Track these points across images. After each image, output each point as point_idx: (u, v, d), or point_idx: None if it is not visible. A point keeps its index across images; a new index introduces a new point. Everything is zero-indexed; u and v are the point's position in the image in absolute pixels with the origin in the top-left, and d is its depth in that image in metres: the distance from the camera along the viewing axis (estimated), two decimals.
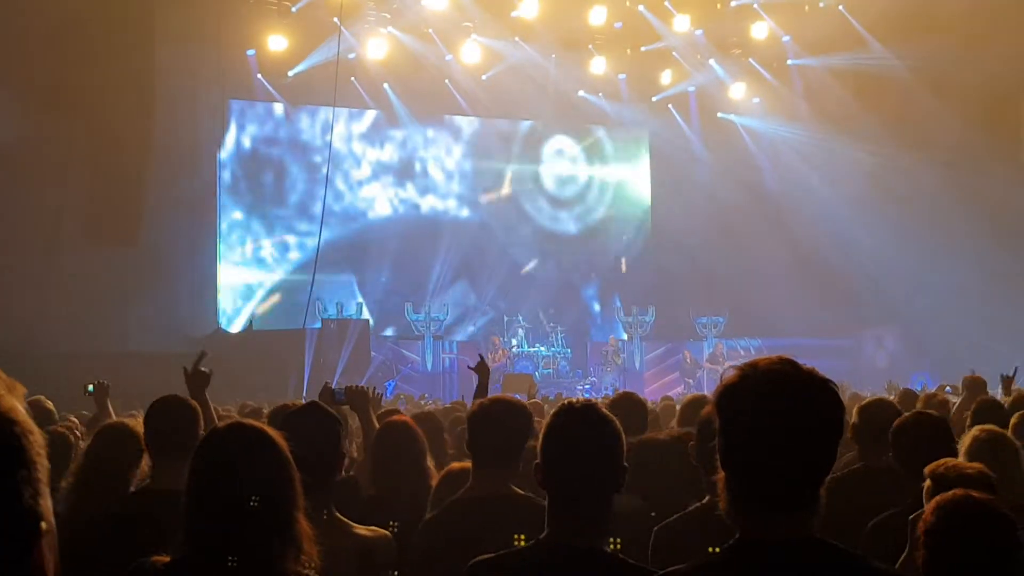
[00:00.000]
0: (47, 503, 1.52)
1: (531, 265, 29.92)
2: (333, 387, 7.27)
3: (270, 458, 3.26)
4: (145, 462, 5.17)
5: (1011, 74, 26.40)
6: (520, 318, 28.70)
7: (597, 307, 32.20)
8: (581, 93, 30.86)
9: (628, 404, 6.82)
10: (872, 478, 5.42)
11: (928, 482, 3.93)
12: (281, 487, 3.23)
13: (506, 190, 31.68)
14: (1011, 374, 10.40)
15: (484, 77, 29.63)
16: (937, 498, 3.27)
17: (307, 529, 3.23)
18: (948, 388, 15.03)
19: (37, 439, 1.51)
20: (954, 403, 9.29)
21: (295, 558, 3.17)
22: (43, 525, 1.48)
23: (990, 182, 26.11)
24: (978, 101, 26.52)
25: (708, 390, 22.22)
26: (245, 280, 28.15)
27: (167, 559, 3.21)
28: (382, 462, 5.69)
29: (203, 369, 6.77)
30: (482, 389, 8.12)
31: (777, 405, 2.55)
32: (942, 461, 3.99)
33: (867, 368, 27.61)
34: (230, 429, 3.38)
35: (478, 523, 4.16)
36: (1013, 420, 6.43)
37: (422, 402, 19.67)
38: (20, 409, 1.50)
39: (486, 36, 28.46)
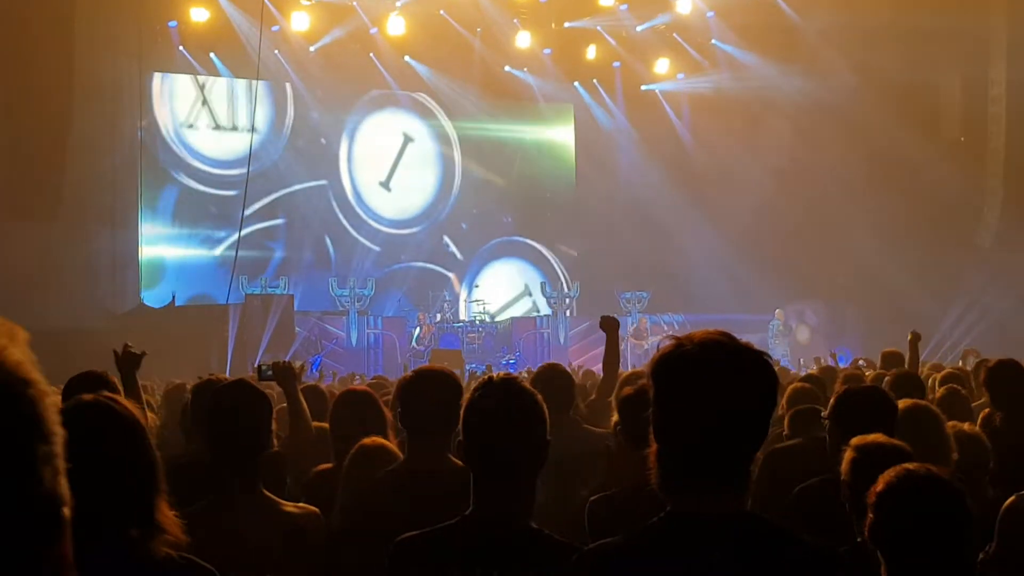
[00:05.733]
0: (65, 483, 1.24)
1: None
2: (258, 364, 7.20)
3: (123, 441, 2.97)
4: None
5: (929, 55, 26.80)
6: (445, 293, 28.67)
7: (522, 283, 32.27)
8: (507, 68, 30.81)
9: (553, 375, 6.66)
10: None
11: (850, 453, 3.98)
12: (137, 472, 2.96)
13: (430, 163, 31.60)
14: (912, 335, 10.51)
15: (406, 58, 29.59)
16: (891, 470, 3.31)
17: (169, 514, 2.99)
18: (861, 362, 15.31)
19: (54, 402, 1.22)
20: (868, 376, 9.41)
21: (159, 542, 2.94)
22: (65, 511, 1.22)
23: (908, 159, 26.51)
24: (898, 81, 26.87)
25: (632, 365, 22.33)
26: (168, 255, 27.81)
27: None
28: (342, 433, 5.56)
29: (134, 351, 6.53)
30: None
31: (713, 375, 2.54)
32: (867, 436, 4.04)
33: (789, 343, 27.93)
34: (78, 408, 3.01)
35: (416, 494, 4.13)
36: (939, 393, 6.55)
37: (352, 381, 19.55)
38: (31, 365, 1.21)
39: (411, 9, 28.29)
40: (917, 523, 3.19)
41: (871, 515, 3.26)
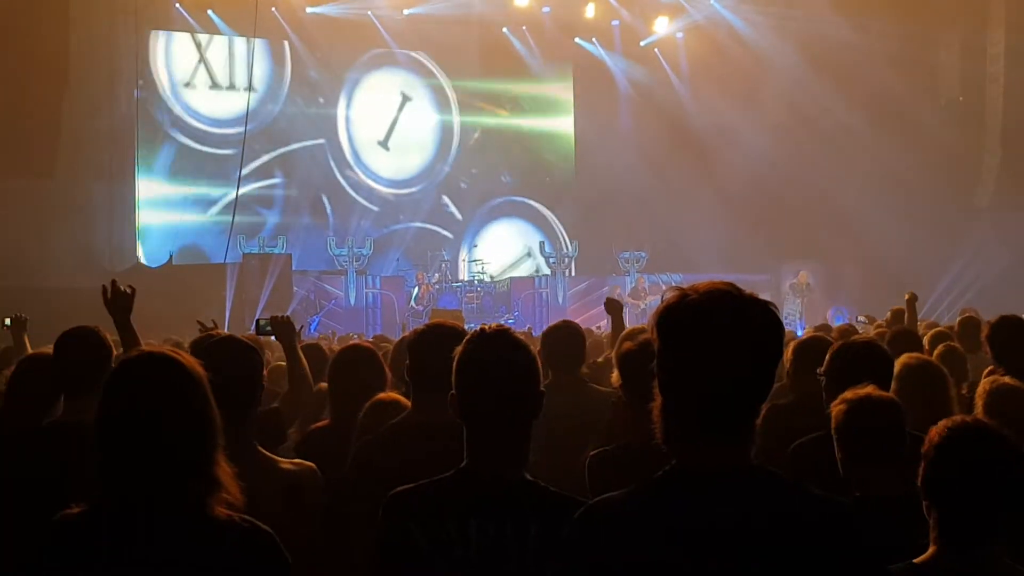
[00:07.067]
0: None
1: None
2: (257, 319, 7.12)
3: (187, 392, 2.96)
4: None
5: (928, 15, 26.70)
6: (444, 253, 28.62)
7: (522, 244, 32.20)
8: (505, 30, 30.65)
9: (568, 333, 6.63)
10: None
11: (840, 405, 3.97)
12: (199, 424, 2.96)
13: (428, 123, 31.47)
14: (909, 296, 10.49)
15: (405, 11, 29.40)
16: (943, 421, 3.29)
17: (227, 469, 2.99)
18: (862, 318, 15.29)
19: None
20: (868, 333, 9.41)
21: (217, 499, 2.93)
22: None
23: (906, 118, 26.43)
24: (897, 40, 26.76)
25: (630, 325, 22.28)
26: (165, 214, 27.73)
27: (78, 510, 2.92)
28: (341, 389, 5.61)
29: (123, 288, 6.02)
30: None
31: (718, 323, 2.51)
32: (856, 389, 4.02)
33: (804, 304, 27.87)
34: (143, 358, 3.00)
35: (422, 446, 4.14)
36: (938, 350, 6.53)
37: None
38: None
39: None
40: (973, 474, 3.16)
41: (925, 468, 3.23)
